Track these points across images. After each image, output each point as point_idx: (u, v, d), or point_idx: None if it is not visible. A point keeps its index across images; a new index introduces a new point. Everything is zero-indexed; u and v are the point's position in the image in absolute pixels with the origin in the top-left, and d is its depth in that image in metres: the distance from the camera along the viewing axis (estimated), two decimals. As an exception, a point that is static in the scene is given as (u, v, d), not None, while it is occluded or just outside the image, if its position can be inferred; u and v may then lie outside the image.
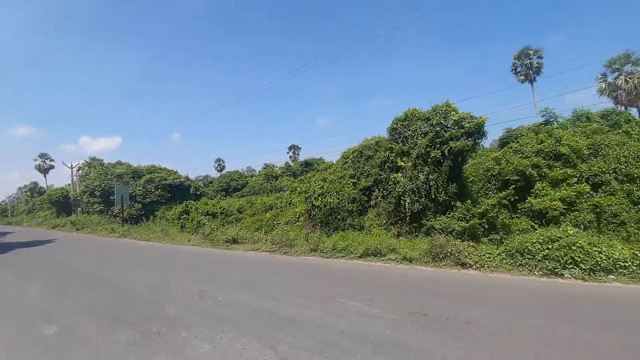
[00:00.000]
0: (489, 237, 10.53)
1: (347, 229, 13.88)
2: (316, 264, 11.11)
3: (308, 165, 31.27)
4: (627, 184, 11.32)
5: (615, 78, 24.71)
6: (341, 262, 11.02)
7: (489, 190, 13.77)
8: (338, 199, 14.52)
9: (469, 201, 11.21)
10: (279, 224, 18.03)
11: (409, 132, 13.10)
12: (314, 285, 8.25)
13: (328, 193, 14.90)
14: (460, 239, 10.39)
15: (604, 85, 25.38)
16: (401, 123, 13.60)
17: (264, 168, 36.75)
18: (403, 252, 10.19)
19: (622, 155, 12.36)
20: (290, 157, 51.30)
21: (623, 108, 21.29)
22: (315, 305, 6.51)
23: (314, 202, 15.24)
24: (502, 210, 11.63)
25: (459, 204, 11.49)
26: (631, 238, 9.21)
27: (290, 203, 20.95)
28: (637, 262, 7.49)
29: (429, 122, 12.66)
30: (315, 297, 7.03)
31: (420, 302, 6.42)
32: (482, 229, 10.67)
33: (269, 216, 19.69)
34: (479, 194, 13.69)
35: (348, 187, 14.88)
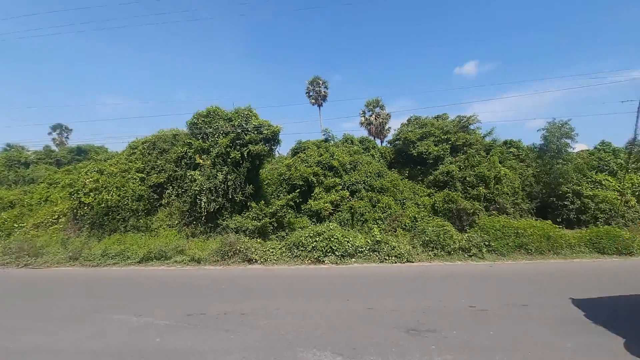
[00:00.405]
0: (277, 234, 11.73)
1: (129, 230, 11.81)
2: (75, 275, 8.82)
3: (82, 152, 24.11)
4: (370, 192, 15.52)
5: (370, 116, 34.03)
6: (113, 270, 9.21)
7: (281, 193, 15.37)
8: (119, 195, 12.11)
9: (263, 202, 12.06)
10: (23, 227, 13.20)
11: (210, 130, 12.72)
12: (66, 302, 6.46)
13: (105, 188, 12.15)
14: (252, 237, 10.97)
15: (363, 119, 34.46)
16: (203, 119, 13.00)
17: (6, 150, 25.66)
18: (192, 253, 9.66)
19: (368, 171, 16.86)
20: (54, 139, 37.43)
21: (372, 137, 29.48)
22: (62, 327, 5.11)
23: (83, 199, 12.01)
24: (289, 211, 13.22)
25: (253, 204, 12.15)
26: (368, 231, 12.62)
27: (46, 199, 15.74)
28: (369, 247, 10.33)
29: (230, 123, 12.76)
30: (63, 317, 5.54)
31: (200, 303, 6.19)
32: (272, 227, 11.76)
33: (7, 217, 14.13)
34: (272, 196, 15.03)
35: (134, 183, 12.70)
